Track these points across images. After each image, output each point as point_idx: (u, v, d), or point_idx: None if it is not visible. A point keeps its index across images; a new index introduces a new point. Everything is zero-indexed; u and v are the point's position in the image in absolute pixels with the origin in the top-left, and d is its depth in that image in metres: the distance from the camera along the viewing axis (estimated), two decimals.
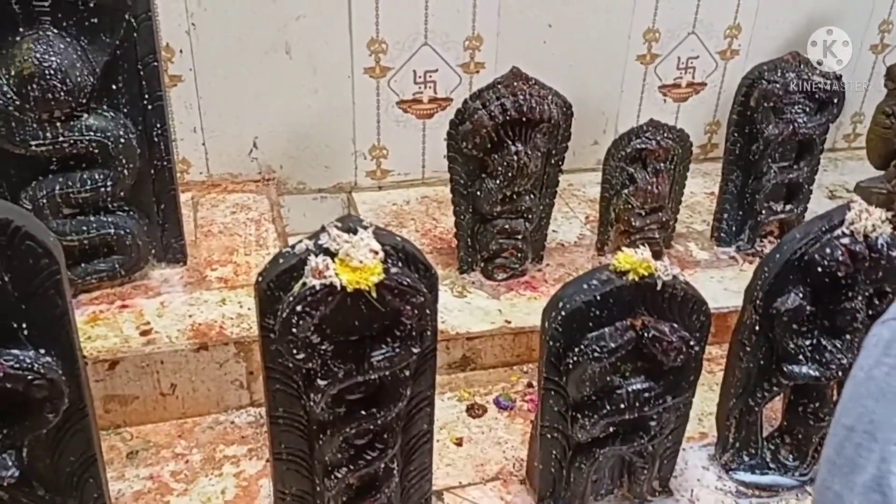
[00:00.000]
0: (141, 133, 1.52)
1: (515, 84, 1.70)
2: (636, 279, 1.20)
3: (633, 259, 1.20)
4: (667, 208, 1.95)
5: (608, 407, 1.27)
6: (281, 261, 1.06)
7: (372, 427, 1.16)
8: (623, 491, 1.41)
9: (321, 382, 1.09)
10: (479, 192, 1.78)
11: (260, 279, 1.07)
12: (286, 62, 2.02)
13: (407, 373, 1.14)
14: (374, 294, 1.03)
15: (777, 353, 1.36)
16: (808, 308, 1.31)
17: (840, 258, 1.25)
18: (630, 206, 1.90)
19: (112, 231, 1.60)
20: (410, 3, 2.03)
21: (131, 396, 1.56)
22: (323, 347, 1.07)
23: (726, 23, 2.33)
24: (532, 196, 1.82)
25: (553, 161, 1.82)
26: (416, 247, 1.12)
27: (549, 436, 1.32)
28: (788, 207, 2.03)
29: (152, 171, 1.59)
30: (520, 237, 1.85)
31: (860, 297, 1.30)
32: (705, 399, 1.61)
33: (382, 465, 1.21)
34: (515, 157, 1.72)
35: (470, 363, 1.74)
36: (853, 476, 0.65)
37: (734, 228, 2.06)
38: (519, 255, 1.88)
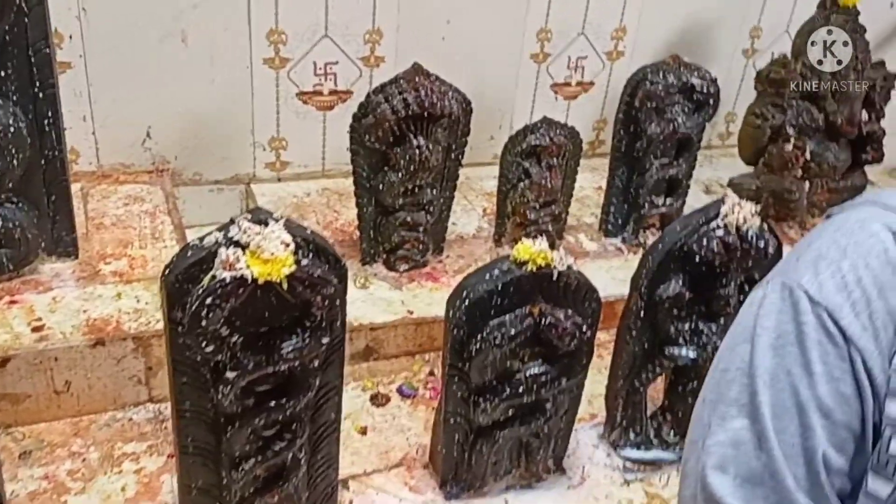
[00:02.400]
0: (31, 122, 1.46)
1: (417, 79, 1.74)
2: (534, 269, 1.27)
3: (532, 250, 1.27)
4: (559, 201, 2.04)
5: (508, 391, 1.34)
6: (189, 253, 1.06)
7: (280, 418, 1.18)
8: (520, 471, 1.48)
9: (230, 374, 1.10)
10: (381, 185, 1.82)
11: (167, 272, 1.06)
12: (182, 50, 1.98)
13: (316, 363, 1.17)
14: (284, 286, 1.05)
15: (659, 337, 1.47)
16: (688, 294, 1.42)
17: (715, 248, 1.36)
18: (525, 200, 1.98)
19: None
20: None
21: (23, 395, 1.51)
22: (232, 339, 1.08)
23: (613, 25, 2.46)
24: (433, 189, 1.87)
25: (453, 155, 1.88)
26: (325, 239, 1.15)
27: (451, 420, 1.37)
28: (669, 201, 2.17)
29: (42, 162, 1.54)
30: (421, 229, 1.90)
31: (733, 284, 1.42)
32: (594, 382, 1.70)
33: (290, 456, 1.23)
34: (417, 151, 1.77)
35: (373, 353, 1.78)
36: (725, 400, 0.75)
37: (620, 221, 2.18)
38: (420, 246, 1.92)
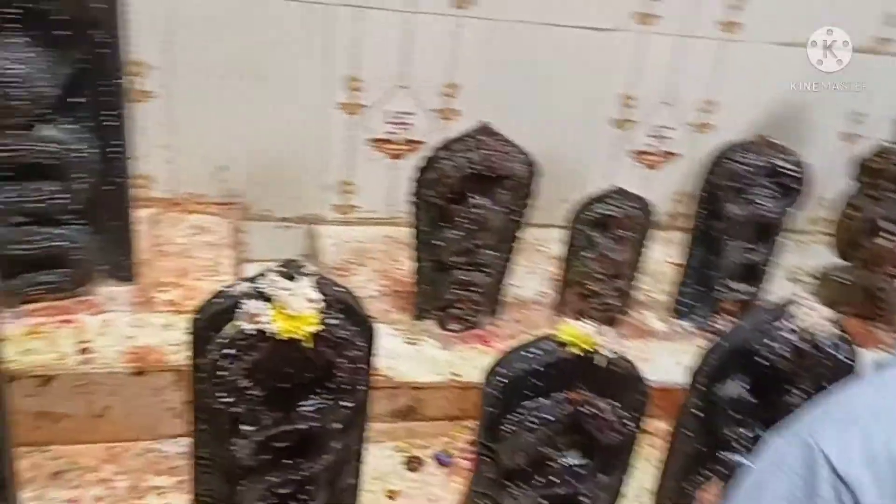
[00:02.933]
0: (100, 148, 1.50)
1: (482, 138, 1.70)
2: (577, 352, 1.19)
3: (576, 332, 1.19)
4: (626, 276, 1.95)
5: (540, 479, 1.26)
6: (219, 300, 1.04)
7: (296, 477, 1.14)
8: None
9: (247, 428, 1.07)
10: (440, 242, 1.78)
11: (198, 315, 1.05)
12: (263, 89, 2.02)
13: (337, 425, 1.12)
14: (308, 344, 1.02)
15: (716, 441, 1.36)
16: (751, 399, 1.31)
17: (784, 353, 1.25)
18: (589, 271, 1.90)
19: (60, 243, 1.57)
20: (392, 48, 2.04)
21: (63, 415, 1.52)
22: (252, 393, 1.05)
23: (704, 96, 2.37)
24: (492, 250, 1.82)
25: (515, 217, 1.82)
26: (356, 298, 1.11)
27: (479, 502, 1.30)
28: (745, 287, 2.04)
29: (108, 187, 1.57)
30: (477, 289, 1.84)
31: (801, 393, 1.30)
32: (646, 474, 1.60)
33: None
34: (477, 211, 1.72)
35: (414, 413, 1.72)
36: None
37: (693, 303, 2.06)
38: (474, 307, 1.87)
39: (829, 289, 2.27)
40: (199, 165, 2.07)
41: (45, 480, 1.46)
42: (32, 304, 1.62)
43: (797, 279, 2.41)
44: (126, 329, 1.62)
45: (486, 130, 1.73)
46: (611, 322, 2.00)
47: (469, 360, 1.79)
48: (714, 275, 2.01)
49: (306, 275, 1.03)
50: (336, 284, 1.09)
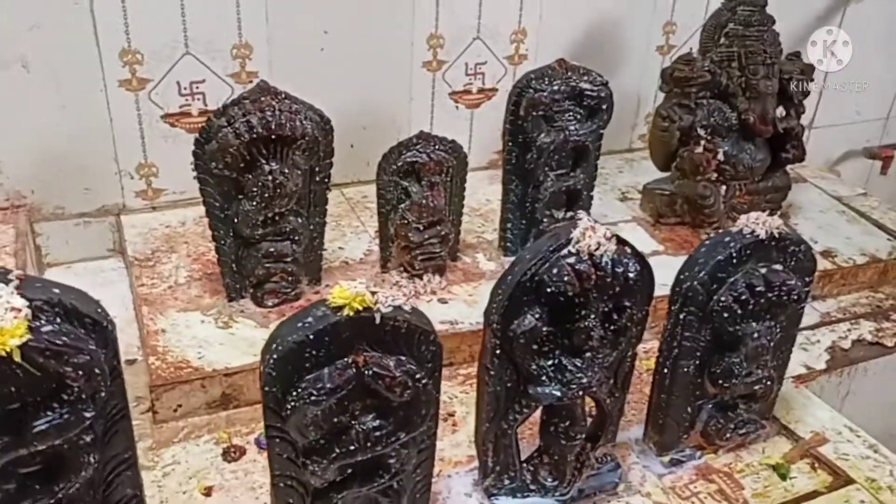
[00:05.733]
0: None
1: (263, 99, 1.59)
2: (352, 314, 1.12)
3: (347, 293, 1.11)
4: (446, 221, 1.89)
5: (338, 450, 1.19)
6: None
7: (53, 502, 1.02)
8: None
9: None
10: (236, 216, 1.67)
11: None
12: (24, 77, 1.82)
13: (88, 438, 1.01)
14: (18, 359, 0.90)
15: (521, 375, 1.32)
16: (545, 328, 1.28)
17: (566, 278, 1.22)
18: (407, 222, 1.84)
19: None
20: (163, 9, 1.88)
21: None
22: None
23: (512, 27, 2.31)
24: (297, 217, 1.72)
25: (318, 178, 1.73)
26: (86, 297, 1.00)
27: (281, 485, 1.22)
28: (569, 214, 2.02)
29: None
30: (289, 259, 1.75)
31: (593, 315, 1.28)
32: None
33: None
34: (270, 178, 1.62)
35: (232, 401, 1.62)
36: None
37: (519, 237, 2.03)
38: (290, 278, 1.77)
39: (654, 202, 2.29)
40: None
41: None
42: None
43: (627, 198, 2.43)
44: None
45: (265, 90, 1.61)
46: (441, 270, 1.95)
47: None
48: (535, 207, 1.98)
49: (7, 282, 0.91)
50: (56, 286, 0.97)
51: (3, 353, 0.89)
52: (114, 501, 1.11)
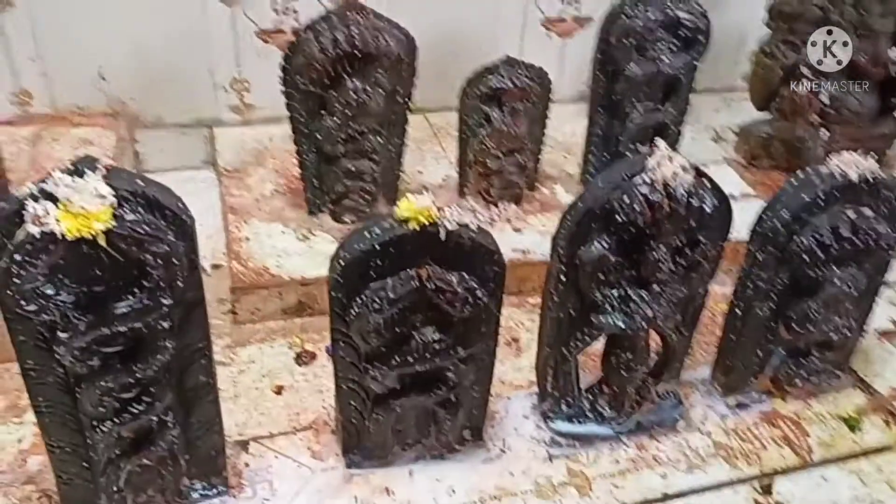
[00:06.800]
0: None
1: (349, 15, 1.60)
2: (418, 228, 1.14)
3: (414, 207, 1.13)
4: (526, 150, 1.88)
5: (398, 359, 1.23)
6: (6, 205, 0.98)
7: (131, 380, 1.11)
8: (431, 440, 1.38)
9: (62, 335, 1.03)
10: (319, 132, 1.70)
11: None
12: None
13: (165, 324, 1.08)
14: (103, 243, 0.97)
15: (585, 303, 1.32)
16: (613, 258, 1.26)
17: (637, 207, 1.19)
18: (486, 148, 1.83)
19: None
20: None
21: None
22: (60, 299, 1.01)
23: None
24: (377, 136, 1.74)
25: (399, 99, 1.74)
26: (168, 191, 1.05)
27: (344, 387, 1.28)
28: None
29: None
30: (367, 178, 1.78)
31: (664, 248, 1.25)
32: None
33: (154, 419, 1.16)
34: (353, 94, 1.64)
35: (306, 309, 1.69)
36: None
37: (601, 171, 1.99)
38: (368, 197, 1.81)
39: (749, 144, 2.19)
40: (75, 75, 1.97)
41: None
42: None
43: (721, 138, 2.34)
44: None
45: (352, 5, 1.62)
46: (517, 199, 1.94)
47: None
48: (620, 140, 1.93)
49: (94, 169, 0.97)
50: (140, 178, 1.03)
51: (90, 236, 0.95)
52: (188, 387, 1.19)
